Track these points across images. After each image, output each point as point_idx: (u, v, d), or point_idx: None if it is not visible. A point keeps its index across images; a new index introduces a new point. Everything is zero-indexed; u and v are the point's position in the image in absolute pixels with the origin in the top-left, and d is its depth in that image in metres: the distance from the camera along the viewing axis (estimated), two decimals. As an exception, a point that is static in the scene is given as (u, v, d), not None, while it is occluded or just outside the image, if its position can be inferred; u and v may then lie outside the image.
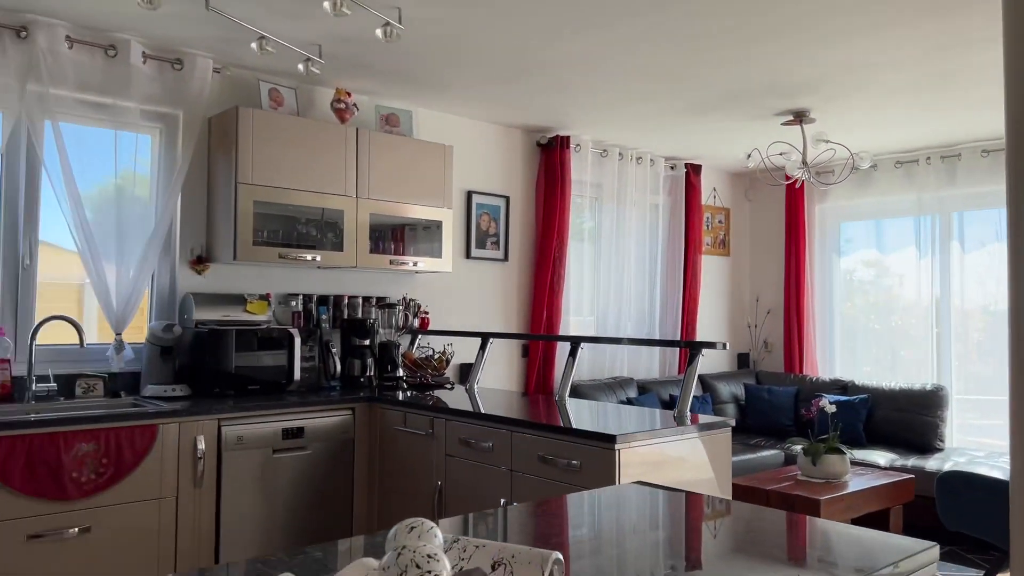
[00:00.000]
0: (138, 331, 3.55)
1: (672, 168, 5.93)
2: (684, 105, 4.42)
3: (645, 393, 5.31)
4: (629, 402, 5.09)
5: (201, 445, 3.02)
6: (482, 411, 3.04)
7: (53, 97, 3.20)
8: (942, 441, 5.06)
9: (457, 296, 4.73)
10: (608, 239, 5.47)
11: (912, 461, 4.71)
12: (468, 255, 4.77)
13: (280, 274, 3.96)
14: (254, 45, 3.17)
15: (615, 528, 1.43)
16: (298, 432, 3.30)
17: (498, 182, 4.95)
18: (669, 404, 5.32)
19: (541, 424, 2.74)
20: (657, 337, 5.85)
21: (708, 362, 6.24)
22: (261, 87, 3.76)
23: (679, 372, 5.90)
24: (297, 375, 3.61)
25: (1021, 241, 1.09)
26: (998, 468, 4.41)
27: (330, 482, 3.40)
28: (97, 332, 3.51)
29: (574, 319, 5.33)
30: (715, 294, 6.39)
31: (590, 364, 5.38)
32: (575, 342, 3.49)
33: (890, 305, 5.77)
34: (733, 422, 2.91)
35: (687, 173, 5.95)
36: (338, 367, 3.82)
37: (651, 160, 5.73)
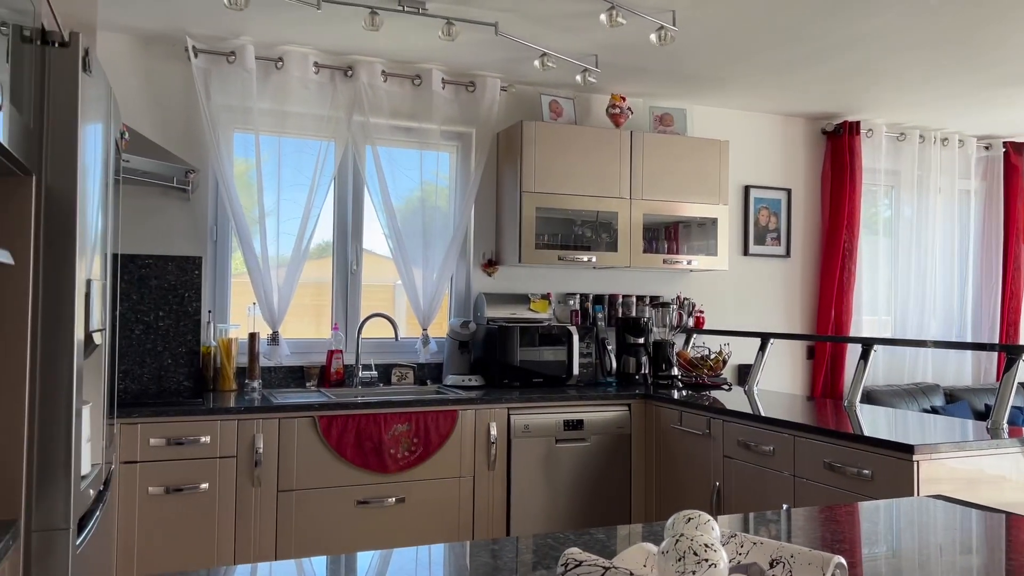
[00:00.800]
0: (439, 327, 3.99)
1: (987, 148, 5.22)
2: (1000, 76, 3.88)
3: (954, 402, 4.74)
4: (934, 411, 4.59)
5: (493, 431, 3.32)
6: (762, 413, 2.96)
7: (372, 125, 3.72)
8: None
9: (734, 294, 4.62)
10: (907, 231, 4.98)
11: None
12: (745, 252, 4.64)
13: (559, 274, 4.19)
14: (537, 62, 3.41)
15: (915, 547, 1.34)
16: (578, 424, 3.48)
17: (778, 175, 4.75)
18: (984, 415, 4.70)
19: (827, 429, 2.61)
20: (969, 340, 5.19)
21: (1036, 369, 5.39)
22: (542, 100, 4.01)
23: (997, 379, 5.18)
24: (576, 370, 3.80)
25: None
26: None
27: (608, 474, 3.54)
28: (407, 327, 4.00)
29: (867, 319, 4.93)
30: (1045, 291, 5.50)
31: (887, 368, 4.94)
32: (867, 344, 3.24)
33: None
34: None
35: (1006, 153, 5.21)
36: (613, 364, 3.94)
37: (959, 141, 5.10)
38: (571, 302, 4.14)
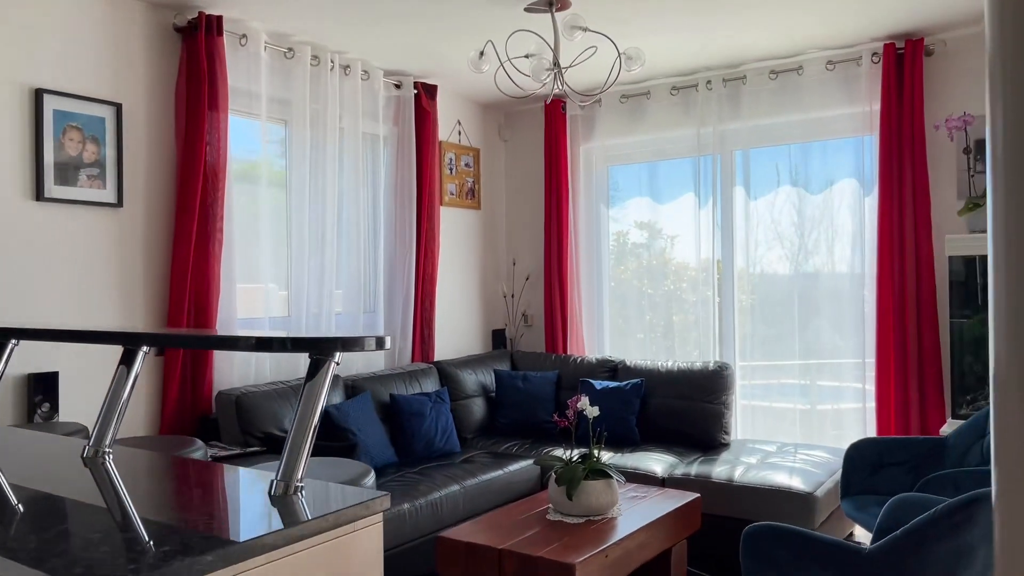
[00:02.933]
0: None
1: (397, 87, 4.40)
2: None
3: (357, 394, 3.79)
4: (336, 410, 3.53)
5: None
6: None
7: None
8: (727, 433, 4.06)
9: (20, 261, 2.88)
10: (300, 179, 3.85)
11: (696, 468, 3.60)
12: (40, 195, 2.93)
13: None
14: None
15: None
16: None
17: (101, 81, 3.13)
18: (388, 406, 3.84)
19: None
20: (383, 314, 4.34)
21: (454, 343, 4.86)
22: None
23: (413, 359, 4.44)
24: None
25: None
26: (798, 472, 3.42)
27: None
28: None
29: (247, 287, 3.68)
30: (463, 257, 4.99)
31: (291, 363, 3.78)
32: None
33: (664, 267, 4.70)
34: (386, 503, 1.44)
35: (418, 95, 4.45)
36: None
37: (364, 72, 4.15)
38: None
